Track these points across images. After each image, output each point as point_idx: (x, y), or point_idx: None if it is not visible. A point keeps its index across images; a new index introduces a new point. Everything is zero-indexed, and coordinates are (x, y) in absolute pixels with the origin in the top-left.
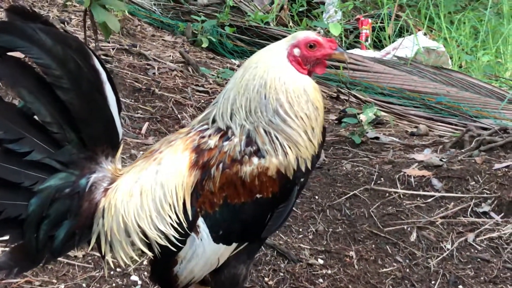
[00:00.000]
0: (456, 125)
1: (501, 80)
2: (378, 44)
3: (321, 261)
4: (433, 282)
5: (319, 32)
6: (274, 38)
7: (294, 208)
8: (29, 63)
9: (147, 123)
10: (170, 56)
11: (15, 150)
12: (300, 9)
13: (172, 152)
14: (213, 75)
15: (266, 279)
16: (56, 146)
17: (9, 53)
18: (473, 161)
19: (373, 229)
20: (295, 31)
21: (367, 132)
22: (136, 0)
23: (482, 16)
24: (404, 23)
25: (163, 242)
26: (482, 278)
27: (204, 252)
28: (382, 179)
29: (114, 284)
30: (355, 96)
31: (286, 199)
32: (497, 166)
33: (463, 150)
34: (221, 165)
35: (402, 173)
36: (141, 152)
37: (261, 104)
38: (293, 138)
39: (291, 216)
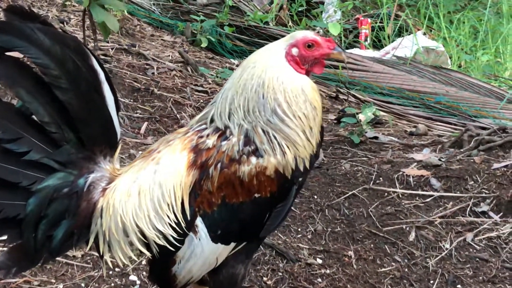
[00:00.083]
0: (455, 124)
1: (500, 80)
2: (377, 44)
3: (319, 261)
4: (431, 281)
5: (318, 32)
6: (274, 38)
7: (292, 208)
8: (28, 63)
9: (146, 123)
10: (169, 56)
11: (13, 150)
12: (300, 9)
13: (170, 151)
14: (212, 75)
15: (264, 278)
16: (54, 146)
17: (7, 53)
18: (472, 160)
19: (372, 229)
20: (295, 31)
21: (366, 132)
22: (135, 0)
23: (482, 16)
24: (404, 23)
25: (161, 242)
26: (480, 277)
27: (203, 251)
28: (381, 178)
29: (112, 284)
30: (354, 96)
31: (285, 198)
32: (496, 165)
33: (462, 150)
34: (219, 165)
35: (401, 172)
36: (140, 152)
37: (259, 104)
38: (291, 138)
39: (290, 216)
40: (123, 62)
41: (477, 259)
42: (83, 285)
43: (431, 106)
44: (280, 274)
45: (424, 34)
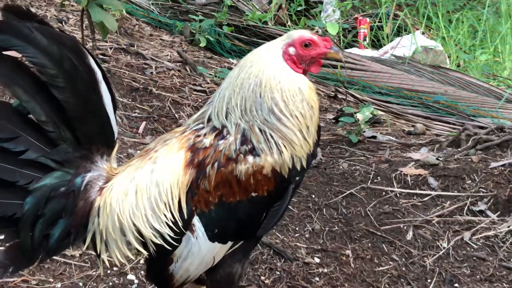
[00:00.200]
0: (453, 124)
1: (499, 79)
2: (376, 44)
3: (317, 260)
4: (429, 280)
5: (317, 32)
6: (272, 37)
7: (290, 207)
8: (25, 62)
9: (144, 123)
10: (167, 55)
11: (10, 149)
12: (298, 9)
13: (167, 151)
14: (210, 74)
15: (262, 277)
16: (51, 145)
17: (4, 52)
18: (470, 160)
19: (370, 228)
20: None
21: (364, 131)
22: (134, 0)
23: (480, 15)
24: (402, 22)
25: (159, 241)
26: (478, 276)
27: (200, 250)
28: (378, 178)
29: (110, 283)
30: (352, 95)
31: (281, 197)
32: (493, 164)
33: (459, 149)
34: (216, 164)
35: (398, 172)
36: (138, 152)
37: (256, 103)
38: (288, 137)
39: (288, 215)
40: (121, 61)
41: (475, 258)
42: (81, 284)
43: (429, 106)
44: (278, 273)
45: (423, 33)
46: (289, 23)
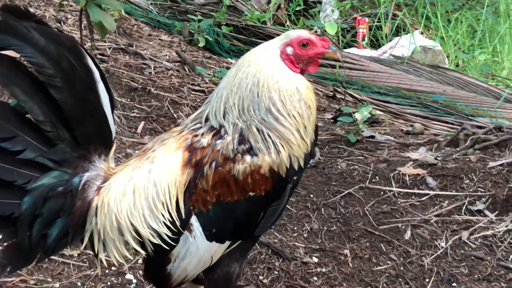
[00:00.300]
0: (452, 123)
1: (497, 79)
2: (375, 43)
3: (315, 260)
4: (427, 280)
5: (315, 31)
6: (271, 37)
7: (288, 207)
8: (23, 61)
9: (143, 122)
10: (166, 55)
11: (8, 149)
12: (297, 8)
13: (165, 150)
14: (209, 74)
15: (260, 277)
16: (49, 145)
17: (2, 52)
18: (468, 159)
19: (368, 228)
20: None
21: (362, 131)
22: (132, 0)
23: (479, 15)
24: (401, 22)
25: (156, 241)
26: (476, 276)
27: (197, 250)
28: (377, 177)
29: (109, 283)
30: (351, 95)
31: (279, 197)
32: (491, 164)
33: (458, 149)
34: (214, 164)
35: (397, 171)
36: (137, 151)
37: (254, 103)
38: (286, 137)
39: (286, 215)
40: (120, 61)
41: (473, 257)
42: (79, 284)
43: (428, 105)
44: (276, 272)
45: (422, 33)
46: (288, 23)
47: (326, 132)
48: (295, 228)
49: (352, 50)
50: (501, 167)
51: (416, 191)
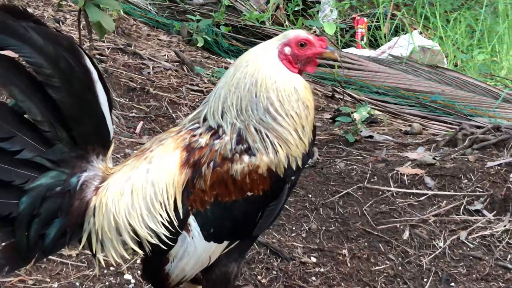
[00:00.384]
0: (450, 123)
1: (496, 79)
2: (373, 43)
3: (314, 259)
4: (425, 280)
5: (314, 32)
6: (270, 37)
7: (287, 206)
8: (21, 62)
9: (141, 122)
10: (165, 55)
11: (6, 149)
12: (296, 8)
13: (163, 150)
14: (208, 74)
15: (259, 277)
16: (47, 145)
17: (0, 52)
18: (466, 159)
19: (366, 227)
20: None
21: (361, 131)
22: (131, 0)
23: (478, 15)
24: (400, 22)
25: (154, 241)
26: (474, 275)
27: (195, 250)
28: (375, 177)
29: (107, 283)
30: (349, 95)
31: (277, 197)
32: (489, 164)
33: (456, 149)
34: (212, 163)
35: (395, 171)
36: (135, 151)
37: (252, 103)
38: (284, 137)
39: (284, 215)
40: (118, 61)
41: (471, 257)
42: (77, 284)
43: (426, 105)
44: (274, 272)
45: (420, 33)
46: (286, 23)
47: (325, 132)
48: (294, 228)
49: (351, 50)
50: (499, 167)
51: (414, 191)
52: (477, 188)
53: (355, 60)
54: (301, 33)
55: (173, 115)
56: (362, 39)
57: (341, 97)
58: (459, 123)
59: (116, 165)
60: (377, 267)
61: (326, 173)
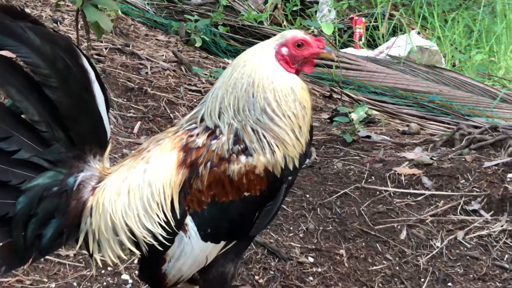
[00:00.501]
0: (448, 123)
1: (494, 79)
2: (371, 43)
3: (311, 259)
4: (422, 279)
5: (312, 32)
6: (268, 37)
7: (284, 207)
8: (18, 62)
9: (139, 123)
10: (163, 55)
11: (3, 149)
12: (294, 8)
13: (160, 151)
14: (206, 74)
15: (256, 277)
16: (44, 145)
17: None
18: (463, 159)
19: (364, 227)
20: (289, 30)
21: (358, 131)
22: (129, 0)
23: (476, 15)
24: (398, 22)
25: (151, 241)
26: (471, 275)
27: (192, 250)
28: (373, 177)
29: (105, 283)
30: (347, 95)
31: (274, 197)
32: (487, 164)
33: (453, 149)
34: (209, 164)
35: (392, 171)
36: (132, 151)
37: (249, 103)
38: (281, 137)
39: (282, 215)
40: (116, 61)
41: (468, 257)
42: (75, 284)
43: (424, 105)
44: (272, 272)
45: (418, 33)
46: (284, 23)
47: (322, 132)
48: (291, 228)
49: (349, 50)
50: (496, 167)
51: (411, 191)
52: (474, 188)
53: (353, 60)
54: (298, 34)
55: (171, 115)
56: (360, 39)
57: (339, 97)
58: (457, 123)
59: (113, 165)
60: (374, 267)
61: (323, 173)
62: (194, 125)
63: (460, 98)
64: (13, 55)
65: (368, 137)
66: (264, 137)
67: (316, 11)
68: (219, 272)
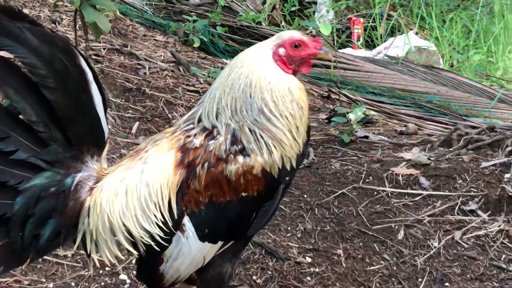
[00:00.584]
0: (446, 124)
1: (492, 79)
2: (369, 44)
3: (309, 259)
4: (419, 279)
5: (310, 32)
6: (266, 38)
7: (282, 207)
8: (16, 62)
9: (137, 123)
10: (161, 56)
11: (0, 149)
12: (292, 9)
13: (157, 151)
14: (204, 74)
15: (254, 277)
16: (41, 145)
17: None
18: (461, 159)
19: (361, 228)
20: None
21: (356, 131)
22: (127, 0)
23: (474, 16)
24: (396, 23)
25: (149, 241)
26: (468, 275)
27: (190, 250)
28: (370, 177)
29: (103, 283)
30: (345, 96)
31: (271, 197)
32: (484, 164)
33: (451, 149)
34: (206, 164)
35: (390, 171)
36: (130, 152)
37: (247, 103)
38: (278, 137)
39: (280, 215)
40: (115, 62)
41: (465, 257)
42: (73, 284)
43: (422, 106)
44: (270, 272)
45: (416, 33)
46: (283, 23)
47: (320, 132)
48: (289, 228)
49: (347, 51)
50: (494, 167)
51: (409, 191)
52: (471, 188)
53: (351, 60)
54: (295, 34)
55: (169, 115)
56: (358, 40)
57: (337, 97)
58: (454, 124)
59: (111, 166)
60: (372, 267)
61: (321, 173)
62: (191, 126)
63: (458, 98)
64: (11, 56)
65: (366, 137)
66: (262, 137)
67: (314, 12)
68: (217, 272)
